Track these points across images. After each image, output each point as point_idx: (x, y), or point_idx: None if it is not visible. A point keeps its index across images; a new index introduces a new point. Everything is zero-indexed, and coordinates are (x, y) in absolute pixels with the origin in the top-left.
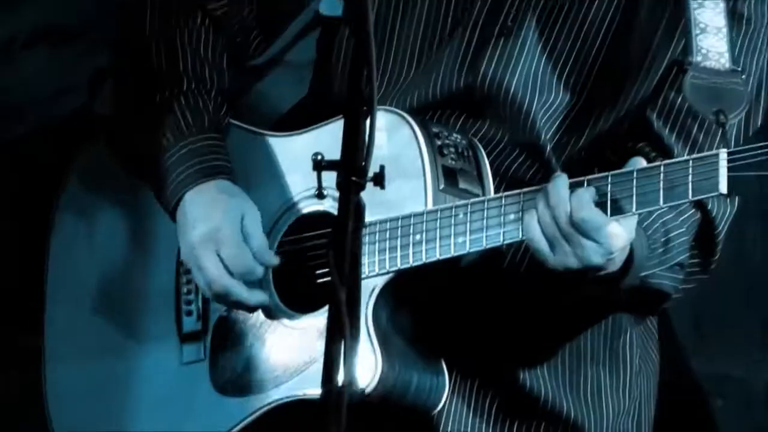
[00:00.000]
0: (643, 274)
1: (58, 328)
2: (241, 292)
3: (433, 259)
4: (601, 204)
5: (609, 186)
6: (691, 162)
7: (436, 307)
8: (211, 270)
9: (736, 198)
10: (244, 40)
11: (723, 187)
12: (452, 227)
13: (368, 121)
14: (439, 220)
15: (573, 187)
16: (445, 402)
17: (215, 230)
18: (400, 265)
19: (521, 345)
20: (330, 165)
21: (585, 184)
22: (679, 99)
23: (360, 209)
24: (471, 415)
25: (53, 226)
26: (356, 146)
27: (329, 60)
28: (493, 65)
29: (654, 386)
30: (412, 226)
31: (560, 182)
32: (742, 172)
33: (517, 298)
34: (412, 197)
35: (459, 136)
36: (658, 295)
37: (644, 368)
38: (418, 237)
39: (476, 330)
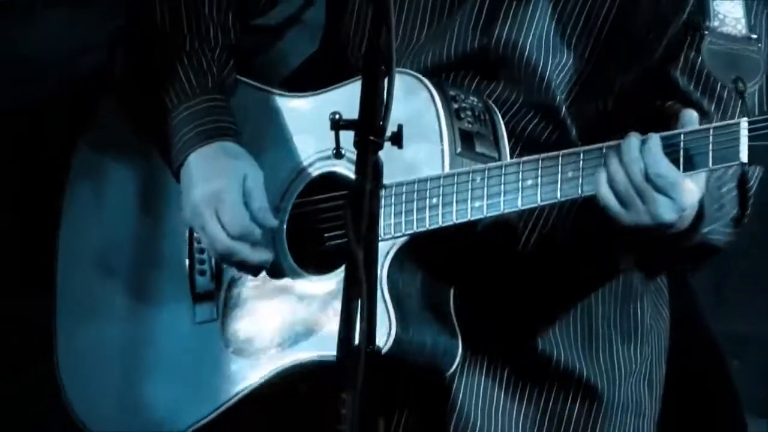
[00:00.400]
0: (705, 230)
1: (70, 291)
2: (242, 250)
3: (450, 223)
4: (673, 161)
5: (682, 142)
6: (711, 131)
7: (451, 271)
8: (212, 230)
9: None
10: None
11: (744, 156)
12: (469, 191)
13: (386, 81)
14: (456, 185)
15: (644, 142)
16: (458, 365)
17: (216, 191)
18: (416, 228)
19: (536, 307)
20: (348, 124)
21: (658, 140)
22: (699, 59)
23: (378, 169)
24: (484, 377)
25: (66, 190)
26: (374, 106)
27: (341, 18)
28: (507, 27)
29: (665, 344)
30: (429, 190)
31: (633, 140)
32: (762, 141)
33: (534, 261)
34: (428, 160)
35: (475, 99)
36: (711, 250)
37: (655, 327)
38: (434, 201)
39: (491, 293)
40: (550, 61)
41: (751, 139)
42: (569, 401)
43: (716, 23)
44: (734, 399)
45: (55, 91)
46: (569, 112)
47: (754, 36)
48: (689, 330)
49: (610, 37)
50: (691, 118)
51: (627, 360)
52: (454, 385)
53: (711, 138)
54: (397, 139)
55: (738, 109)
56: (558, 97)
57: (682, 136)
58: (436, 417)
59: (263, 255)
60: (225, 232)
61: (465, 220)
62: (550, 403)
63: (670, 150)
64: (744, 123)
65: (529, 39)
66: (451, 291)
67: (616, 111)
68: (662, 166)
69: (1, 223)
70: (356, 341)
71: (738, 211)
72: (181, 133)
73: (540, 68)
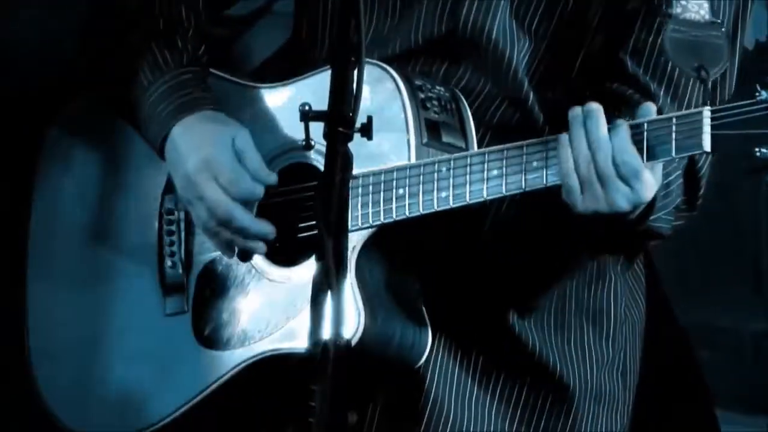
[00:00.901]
0: (651, 218)
1: (40, 280)
2: (244, 216)
3: (416, 213)
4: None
5: (645, 132)
6: (674, 120)
7: (419, 261)
8: (212, 197)
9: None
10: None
11: (707, 146)
12: (435, 182)
13: (356, 72)
14: (422, 175)
15: (613, 127)
16: (431, 357)
17: (209, 158)
18: (383, 219)
19: (507, 297)
20: (317, 116)
21: (627, 127)
22: (650, 39)
23: (348, 160)
24: (458, 367)
25: (36, 176)
26: (344, 96)
27: (310, 6)
28: (473, 11)
29: (640, 335)
30: (395, 181)
31: (603, 122)
32: (724, 130)
33: (504, 247)
34: (394, 151)
35: (442, 89)
36: (653, 237)
37: (629, 317)
38: (401, 191)
39: (461, 282)
40: (515, 46)
41: (713, 128)
42: (541, 392)
43: (679, 9)
44: (703, 390)
45: (28, 80)
46: (536, 98)
47: (717, 20)
48: (657, 320)
49: (568, 19)
50: (649, 111)
51: (599, 351)
52: (428, 375)
53: (674, 127)
54: (367, 131)
55: (696, 93)
56: (524, 83)
57: (645, 125)
58: (409, 406)
59: (264, 226)
60: (227, 195)
61: (431, 210)
62: (523, 394)
63: (635, 140)
64: (707, 112)
65: (495, 23)
66: (421, 281)
67: (576, 95)
68: (629, 152)
69: None
70: (326, 333)
71: (686, 197)
72: (160, 108)
73: (507, 53)
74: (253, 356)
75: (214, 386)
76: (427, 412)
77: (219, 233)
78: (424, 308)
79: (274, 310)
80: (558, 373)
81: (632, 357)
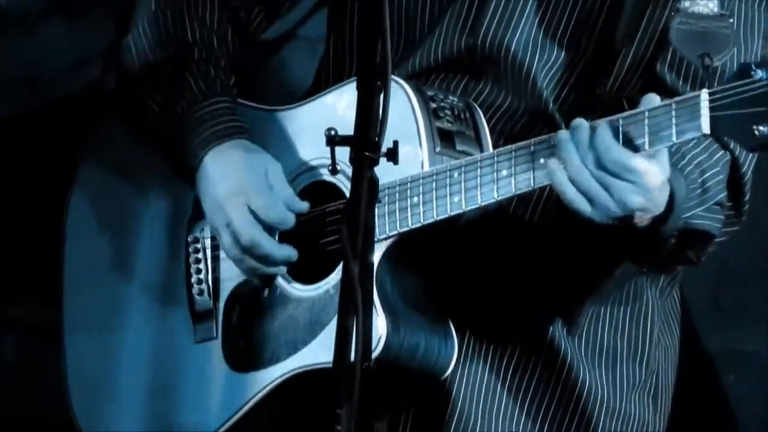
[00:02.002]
0: (685, 216)
1: (76, 306)
2: (269, 243)
3: (431, 220)
4: (638, 140)
5: (647, 119)
6: (673, 105)
7: (440, 269)
8: (239, 223)
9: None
10: (246, 16)
11: (705, 128)
12: (447, 187)
13: (382, 96)
14: (435, 182)
15: (594, 131)
16: (459, 368)
17: (242, 184)
18: (399, 228)
19: (541, 307)
20: (343, 140)
21: (606, 127)
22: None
23: (374, 185)
24: (485, 382)
25: (68, 207)
26: (369, 121)
27: (341, 35)
28: (493, 26)
29: (674, 361)
30: (409, 190)
31: (585, 134)
32: (724, 111)
33: (538, 255)
34: (408, 162)
35: (455, 99)
36: (703, 237)
37: (663, 341)
38: (415, 200)
39: (493, 292)
40: (536, 59)
41: (711, 110)
42: (570, 409)
43: (687, 3)
44: (729, 415)
45: (52, 102)
46: (558, 111)
47: (726, 13)
48: (683, 344)
49: (599, 33)
50: (651, 100)
51: (631, 373)
52: (455, 387)
53: (673, 113)
54: (393, 155)
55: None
56: (545, 96)
57: (646, 113)
58: (436, 416)
59: (288, 250)
60: (256, 221)
61: (445, 216)
62: (551, 410)
63: (630, 130)
64: (704, 94)
65: (516, 37)
66: (443, 289)
67: (604, 108)
68: (614, 152)
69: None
70: (351, 357)
71: (732, 203)
72: (194, 135)
73: (526, 66)
74: (283, 374)
75: (246, 408)
76: (453, 424)
77: (243, 260)
78: (450, 320)
79: (300, 327)
80: (588, 391)
81: (665, 382)
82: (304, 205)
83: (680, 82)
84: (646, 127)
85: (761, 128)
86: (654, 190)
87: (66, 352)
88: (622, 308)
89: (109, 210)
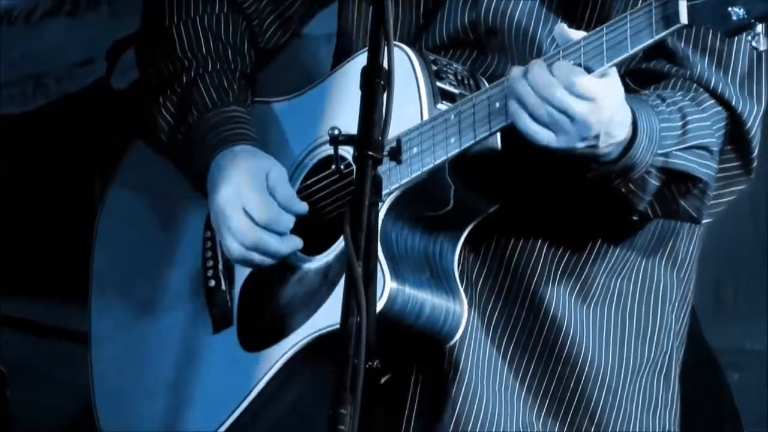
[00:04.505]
0: (661, 152)
1: (103, 306)
2: (271, 240)
3: (430, 165)
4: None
5: (629, 21)
6: (653, 2)
7: (452, 232)
8: (239, 226)
9: (763, 96)
10: (259, 25)
11: (684, 18)
12: (445, 131)
13: (385, 96)
14: (432, 129)
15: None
16: (467, 340)
17: (239, 189)
18: (401, 179)
19: (548, 277)
20: (347, 140)
21: (560, 57)
22: None
23: (378, 183)
24: (493, 355)
25: (101, 209)
26: (373, 120)
27: (347, 34)
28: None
29: (683, 341)
30: (409, 141)
31: (541, 67)
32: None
33: (537, 206)
34: (411, 120)
35: (459, 66)
36: (687, 180)
37: (675, 324)
38: (415, 150)
39: (500, 261)
40: (541, 28)
41: None
42: (572, 386)
43: None
44: (733, 412)
45: (58, 100)
46: None
47: None
48: (687, 342)
49: (604, 5)
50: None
51: (639, 351)
52: (462, 356)
53: (653, 10)
54: (397, 154)
55: (741, 59)
56: None
57: (628, 16)
58: (444, 388)
59: (293, 242)
60: (252, 221)
61: (443, 158)
62: (553, 385)
63: (601, 36)
64: None
65: (519, 8)
66: (456, 254)
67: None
68: (568, 77)
69: None
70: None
71: (740, 161)
72: (202, 142)
73: (530, 35)
74: (291, 346)
75: (260, 386)
76: (461, 396)
77: (252, 260)
78: (458, 279)
79: (307, 298)
80: (595, 370)
81: (676, 363)
82: (302, 207)
83: (681, 44)
84: (628, 30)
85: (735, 9)
86: (610, 108)
87: (92, 352)
88: (631, 285)
89: (138, 213)
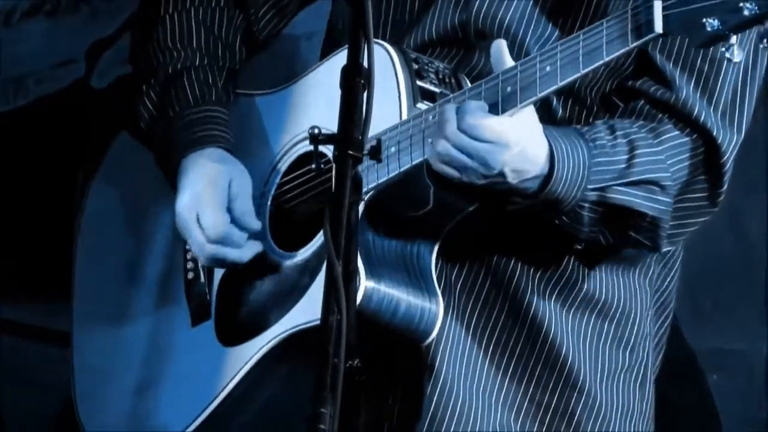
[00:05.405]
0: (594, 186)
1: (84, 302)
2: (229, 252)
3: (407, 165)
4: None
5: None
6: (629, 10)
7: (431, 232)
8: (195, 236)
9: (744, 126)
10: (255, 12)
11: (659, 27)
12: (423, 131)
13: (365, 95)
14: (410, 128)
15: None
16: (444, 339)
17: (198, 197)
18: (378, 179)
19: (525, 276)
20: (327, 138)
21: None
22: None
23: (358, 182)
24: (469, 356)
25: (85, 200)
26: (353, 119)
27: (339, 30)
28: (486, 2)
29: (661, 351)
30: (386, 141)
31: (449, 111)
32: (677, 8)
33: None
34: (390, 119)
35: (441, 65)
36: (631, 215)
37: (650, 334)
38: (392, 150)
39: (478, 259)
40: (530, 34)
41: (664, 9)
42: (551, 387)
43: None
44: (713, 414)
45: (37, 100)
46: None
47: None
48: (667, 344)
49: (594, 8)
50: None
51: (614, 357)
52: (439, 355)
53: (629, 16)
54: (377, 153)
55: (727, 83)
56: None
57: (604, 23)
58: (419, 389)
59: (251, 249)
60: (205, 236)
61: (420, 159)
62: (531, 386)
63: (576, 44)
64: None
65: (509, 12)
66: (433, 254)
67: (595, 86)
68: (469, 118)
69: None
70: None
71: (708, 192)
72: (177, 140)
73: (519, 39)
74: (268, 341)
75: (235, 380)
76: (435, 396)
77: (215, 265)
78: (435, 279)
79: (285, 294)
80: (574, 372)
81: (652, 371)
82: (255, 225)
83: (670, 64)
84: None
85: (710, 20)
86: (514, 146)
87: (73, 350)
88: (610, 292)
89: (120, 210)
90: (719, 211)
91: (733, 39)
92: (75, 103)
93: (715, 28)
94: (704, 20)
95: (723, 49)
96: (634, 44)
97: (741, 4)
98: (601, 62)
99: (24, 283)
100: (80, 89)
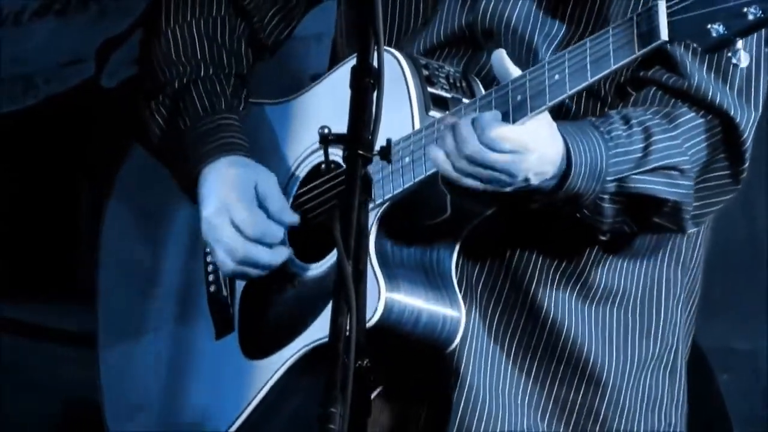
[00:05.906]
0: (612, 177)
1: (110, 311)
2: (261, 253)
3: (422, 175)
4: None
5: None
6: (635, 17)
7: (449, 238)
8: (228, 239)
9: (760, 104)
10: (260, 20)
11: (664, 34)
12: (436, 142)
13: (375, 95)
14: (423, 138)
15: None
16: (468, 344)
17: (227, 201)
18: (393, 191)
19: (547, 271)
20: (337, 139)
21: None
22: None
23: (368, 182)
24: (493, 358)
25: (105, 214)
26: (363, 120)
27: (339, 32)
28: (492, 2)
29: (690, 335)
30: (400, 151)
31: (464, 126)
32: (682, 15)
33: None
34: (402, 127)
35: (451, 69)
36: (653, 201)
37: (680, 320)
38: (407, 160)
39: (500, 261)
40: (537, 32)
41: (669, 15)
42: (575, 386)
43: None
44: (723, 413)
45: (46, 100)
46: None
47: None
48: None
49: (597, 4)
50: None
51: (645, 349)
52: (464, 358)
53: (635, 25)
54: (386, 153)
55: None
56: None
57: (610, 30)
58: (446, 396)
59: (282, 254)
60: (242, 236)
61: (434, 169)
62: (555, 386)
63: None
64: (662, 3)
65: (516, 11)
66: (453, 260)
67: (606, 80)
68: (487, 132)
69: None
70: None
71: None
72: (192, 151)
73: (527, 37)
74: (292, 355)
75: (261, 394)
76: (462, 401)
77: (244, 273)
78: (456, 284)
79: (306, 306)
80: (597, 369)
81: (684, 358)
82: (294, 218)
83: (681, 50)
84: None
85: (715, 26)
86: (533, 150)
87: (99, 356)
88: (633, 283)
89: (142, 218)
90: (724, 207)
91: (739, 44)
92: (83, 104)
93: (721, 33)
94: (709, 26)
95: (729, 54)
96: (641, 52)
97: (745, 9)
98: (608, 70)
99: (24, 283)
100: (90, 89)
